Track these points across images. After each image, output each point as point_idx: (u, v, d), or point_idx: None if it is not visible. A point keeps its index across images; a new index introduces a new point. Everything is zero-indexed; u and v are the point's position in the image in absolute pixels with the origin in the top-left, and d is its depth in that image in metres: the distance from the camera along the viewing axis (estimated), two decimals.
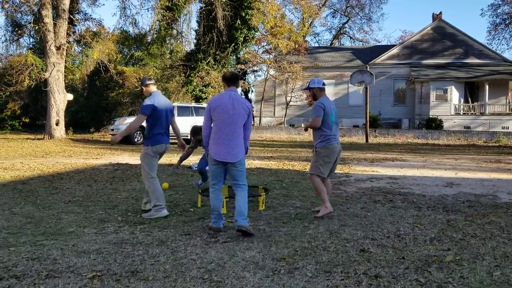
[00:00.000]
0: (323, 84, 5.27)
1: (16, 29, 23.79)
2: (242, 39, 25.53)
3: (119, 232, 4.45)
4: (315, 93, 5.27)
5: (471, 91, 28.64)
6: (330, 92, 30.48)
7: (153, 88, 5.60)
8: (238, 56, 29.20)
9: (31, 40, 28.47)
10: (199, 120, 18.31)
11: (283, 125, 29.04)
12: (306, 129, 5.59)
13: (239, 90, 38.28)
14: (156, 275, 3.17)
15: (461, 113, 27.68)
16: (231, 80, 4.54)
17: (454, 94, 27.77)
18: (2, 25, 44.26)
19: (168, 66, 28.00)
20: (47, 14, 19.35)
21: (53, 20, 19.83)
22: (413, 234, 4.34)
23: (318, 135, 5.16)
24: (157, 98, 5.46)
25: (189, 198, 6.39)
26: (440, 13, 30.49)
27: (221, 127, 4.35)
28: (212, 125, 4.45)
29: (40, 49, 24.38)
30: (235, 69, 29.17)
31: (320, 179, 5.20)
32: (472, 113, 27.61)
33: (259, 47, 32.05)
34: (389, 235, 4.30)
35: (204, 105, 20.21)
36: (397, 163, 11.61)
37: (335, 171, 7.34)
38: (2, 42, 34.88)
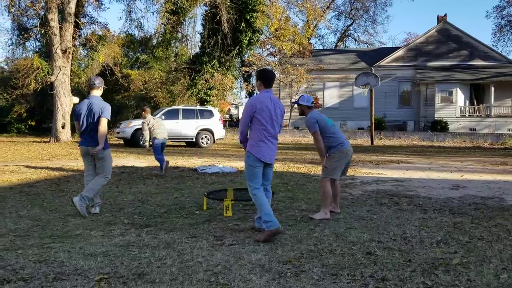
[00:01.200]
0: (312, 102, 5.36)
1: (22, 32, 23.90)
2: (246, 41, 25.58)
3: (126, 234, 4.47)
4: (303, 109, 5.39)
5: (477, 93, 28.55)
6: (335, 94, 30.48)
7: (91, 91, 5.60)
8: (243, 58, 29.25)
9: (37, 43, 28.56)
10: (204, 123, 18.34)
11: (287, 128, 29.03)
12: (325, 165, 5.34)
13: (244, 92, 38.13)
14: (163, 278, 3.17)
15: (467, 115, 27.58)
16: (270, 81, 4.59)
17: (460, 96, 27.68)
18: (9, 28, 44.51)
19: (173, 69, 28.07)
20: (53, 18, 19.48)
21: (59, 23, 19.95)
22: (420, 237, 4.33)
23: (327, 146, 5.24)
24: (83, 102, 5.58)
25: (195, 200, 6.40)
26: (445, 15, 30.45)
27: (266, 128, 4.39)
28: (252, 126, 4.42)
29: (46, 53, 24.49)
30: (239, 72, 29.18)
31: (330, 181, 5.27)
32: (477, 115, 27.50)
33: (264, 49, 32.08)
34: (395, 238, 4.29)
35: (209, 107, 20.20)
36: (403, 165, 11.58)
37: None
38: (9, 46, 35.16)
